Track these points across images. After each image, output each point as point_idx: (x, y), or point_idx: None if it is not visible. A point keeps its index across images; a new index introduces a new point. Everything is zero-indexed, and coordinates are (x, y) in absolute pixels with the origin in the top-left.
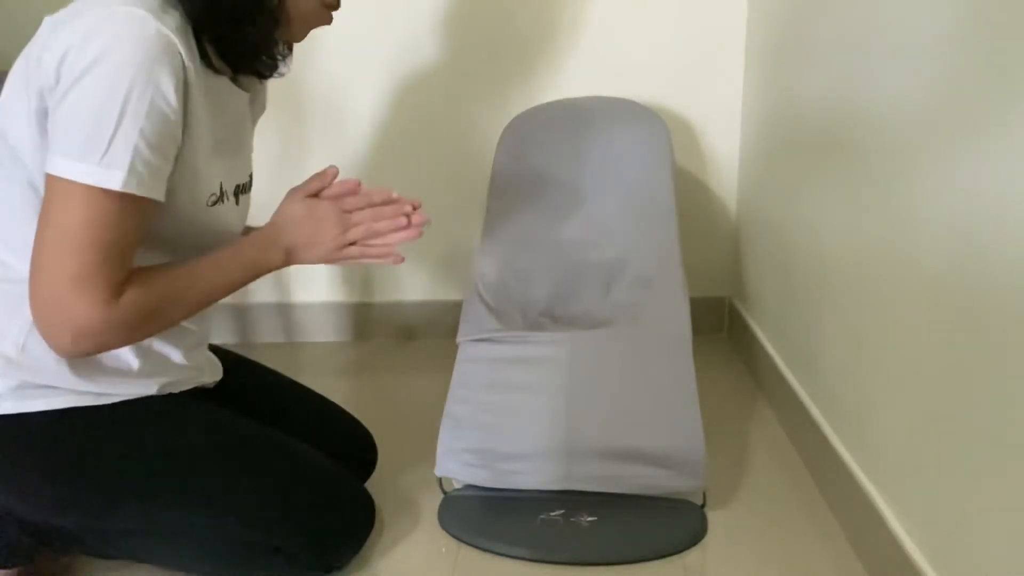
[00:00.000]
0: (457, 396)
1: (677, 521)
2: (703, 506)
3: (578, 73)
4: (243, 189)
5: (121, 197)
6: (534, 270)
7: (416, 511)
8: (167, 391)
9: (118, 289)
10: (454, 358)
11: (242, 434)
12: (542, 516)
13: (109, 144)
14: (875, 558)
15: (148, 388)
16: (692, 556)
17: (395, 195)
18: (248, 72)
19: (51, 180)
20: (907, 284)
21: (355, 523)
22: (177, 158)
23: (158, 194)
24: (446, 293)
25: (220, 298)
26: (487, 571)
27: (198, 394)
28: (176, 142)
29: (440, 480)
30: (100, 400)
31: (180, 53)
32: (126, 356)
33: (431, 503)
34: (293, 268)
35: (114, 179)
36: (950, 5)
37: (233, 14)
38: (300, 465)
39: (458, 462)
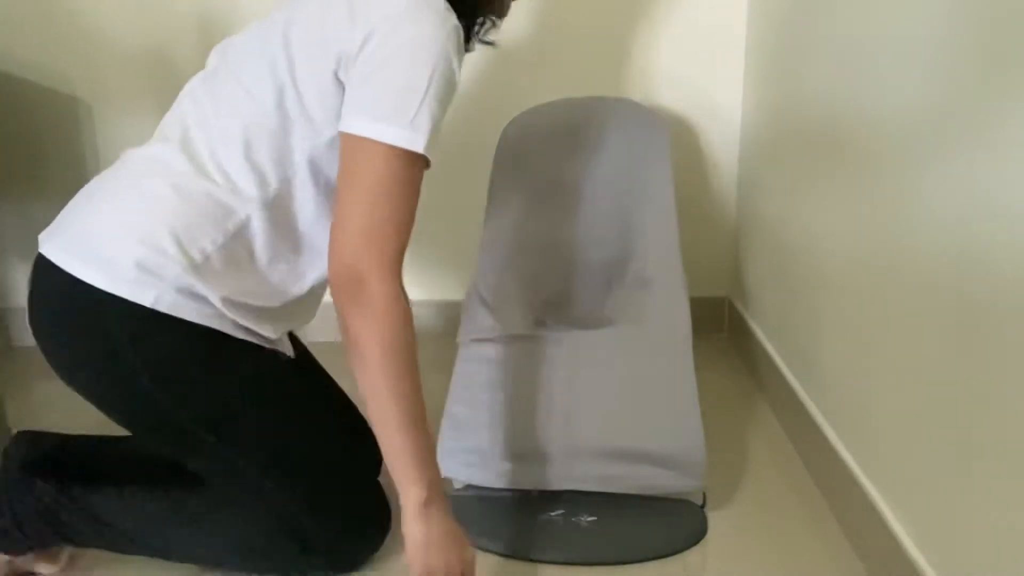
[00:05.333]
0: (457, 396)
1: (677, 521)
2: (703, 506)
3: (578, 73)
4: None
5: (417, 159)
6: (534, 270)
7: None
8: (278, 336)
9: (399, 266)
10: (454, 358)
11: (323, 413)
12: (542, 516)
13: (417, 112)
14: (875, 558)
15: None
16: (692, 556)
17: None
18: (468, 50)
19: (354, 141)
20: (906, 284)
21: (375, 526)
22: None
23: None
24: (446, 293)
25: (382, 427)
26: (487, 571)
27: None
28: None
29: None
30: (236, 332)
31: (462, 42)
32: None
33: None
34: None
35: (419, 142)
36: (950, 5)
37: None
38: (346, 462)
39: (458, 462)
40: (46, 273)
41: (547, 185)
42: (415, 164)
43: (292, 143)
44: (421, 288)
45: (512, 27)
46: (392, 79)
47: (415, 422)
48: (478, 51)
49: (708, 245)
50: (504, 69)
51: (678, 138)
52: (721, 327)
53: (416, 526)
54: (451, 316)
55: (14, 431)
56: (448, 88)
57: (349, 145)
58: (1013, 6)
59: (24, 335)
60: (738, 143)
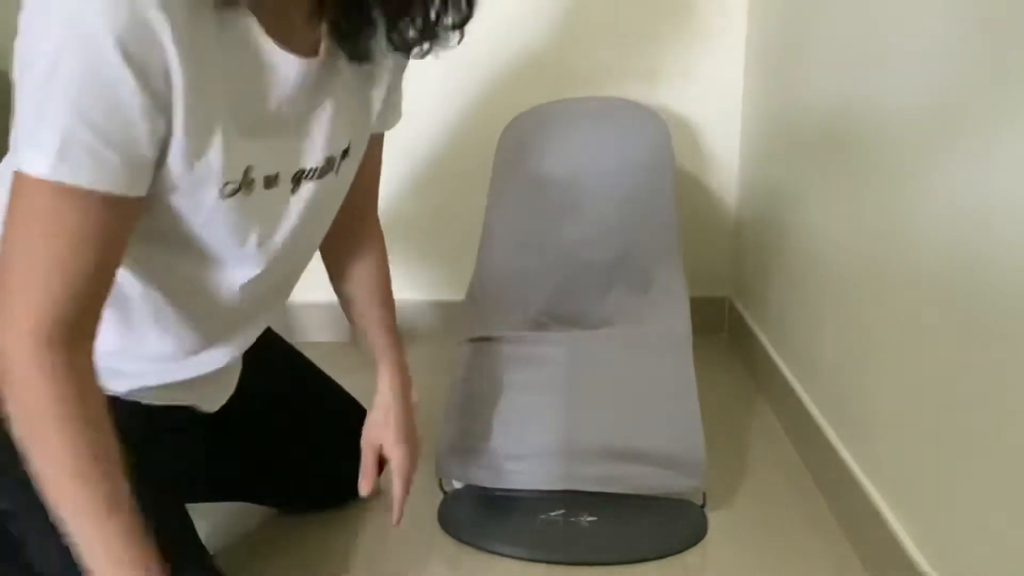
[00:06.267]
0: (457, 396)
1: (677, 521)
2: (703, 506)
3: (578, 73)
4: (308, 175)
5: (56, 190)
6: (534, 270)
7: (416, 511)
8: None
9: (64, 338)
10: (454, 358)
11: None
12: (542, 516)
13: (37, 123)
14: (875, 558)
15: (177, 367)
16: (692, 556)
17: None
18: (350, 46)
19: None
20: (907, 284)
21: None
22: (168, 144)
23: (117, 187)
24: (446, 293)
25: (70, 515)
26: (487, 571)
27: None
28: (149, 122)
29: (440, 480)
30: (123, 393)
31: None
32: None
33: (431, 503)
34: None
35: (38, 162)
36: (951, 5)
37: None
38: None
39: (458, 462)
40: None
41: (547, 185)
42: (59, 196)
43: None
44: (421, 288)
45: (512, 26)
46: (17, 82)
47: (112, 507)
48: (478, 51)
49: (708, 245)
50: (504, 69)
51: (678, 138)
52: (721, 327)
53: None
54: (451, 316)
55: None
56: (95, 81)
57: None
58: (1015, 7)
59: None
60: (738, 143)
